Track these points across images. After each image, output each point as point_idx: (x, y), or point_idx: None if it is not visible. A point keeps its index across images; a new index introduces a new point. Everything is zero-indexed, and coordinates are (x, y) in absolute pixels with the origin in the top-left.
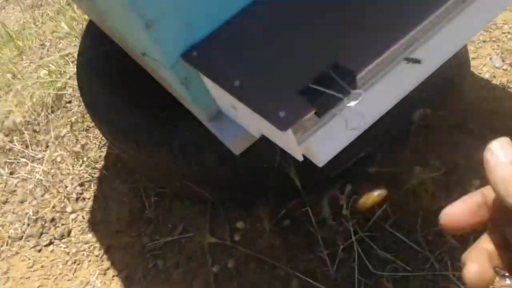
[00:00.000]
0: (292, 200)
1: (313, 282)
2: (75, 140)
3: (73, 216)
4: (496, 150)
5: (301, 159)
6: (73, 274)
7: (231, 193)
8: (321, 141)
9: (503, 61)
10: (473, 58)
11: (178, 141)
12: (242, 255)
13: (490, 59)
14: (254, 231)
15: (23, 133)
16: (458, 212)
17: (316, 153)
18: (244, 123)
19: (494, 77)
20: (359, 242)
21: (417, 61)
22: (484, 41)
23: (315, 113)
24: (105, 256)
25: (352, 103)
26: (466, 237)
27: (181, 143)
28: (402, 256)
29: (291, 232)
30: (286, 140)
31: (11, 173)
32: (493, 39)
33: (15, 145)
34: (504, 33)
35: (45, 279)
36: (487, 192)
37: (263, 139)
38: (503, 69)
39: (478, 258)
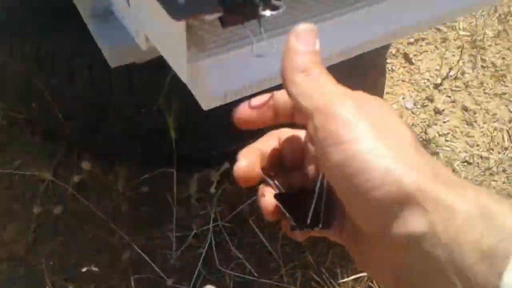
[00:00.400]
0: (161, 167)
1: (148, 260)
2: None
3: None
4: (299, 35)
5: (184, 80)
6: None
7: (94, 133)
8: (216, 70)
9: (414, 104)
10: (387, 93)
11: (51, 45)
12: (80, 209)
13: (403, 98)
14: (104, 187)
15: None
16: (247, 108)
17: (205, 84)
18: (132, 27)
19: (401, 117)
20: (216, 232)
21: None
22: (402, 80)
23: (220, 18)
24: None
25: (268, 13)
26: (325, 255)
27: (54, 49)
28: (254, 259)
29: (146, 202)
30: (176, 45)
31: None
32: (412, 81)
33: None
34: (424, 79)
35: None
36: (278, 95)
37: (148, 67)
38: (411, 112)
39: (249, 156)
